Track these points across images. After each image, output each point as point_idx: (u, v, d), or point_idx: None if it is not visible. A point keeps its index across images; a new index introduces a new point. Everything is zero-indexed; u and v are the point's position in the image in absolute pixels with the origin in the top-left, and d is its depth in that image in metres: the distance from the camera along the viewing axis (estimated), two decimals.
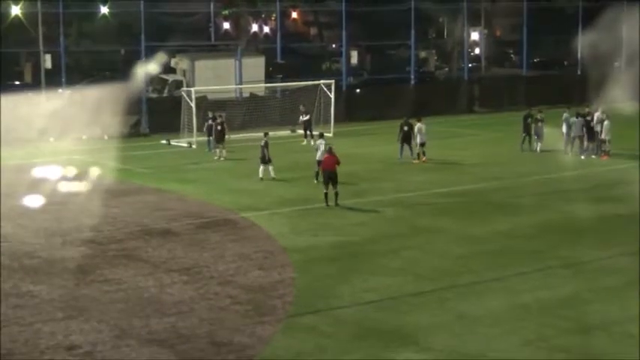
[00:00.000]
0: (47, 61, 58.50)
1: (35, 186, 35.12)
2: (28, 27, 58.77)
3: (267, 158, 35.97)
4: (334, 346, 17.57)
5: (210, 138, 44.33)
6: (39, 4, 55.77)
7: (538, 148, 42.22)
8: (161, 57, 56.97)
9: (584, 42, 61.26)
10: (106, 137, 50.83)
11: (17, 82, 64.80)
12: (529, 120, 43.10)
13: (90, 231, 27.55)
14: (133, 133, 53.96)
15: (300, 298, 20.70)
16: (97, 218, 29.41)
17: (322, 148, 33.65)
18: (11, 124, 45.27)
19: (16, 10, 58.33)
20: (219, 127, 43.01)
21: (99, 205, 31.69)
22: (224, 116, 45.24)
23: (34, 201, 32.19)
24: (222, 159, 42.08)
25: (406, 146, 40.40)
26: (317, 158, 33.74)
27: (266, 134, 38.04)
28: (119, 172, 39.01)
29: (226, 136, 43.43)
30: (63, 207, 31.32)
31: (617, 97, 47.51)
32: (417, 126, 40.06)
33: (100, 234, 27.21)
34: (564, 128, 41.70)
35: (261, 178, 35.62)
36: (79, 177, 36.98)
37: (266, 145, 36.32)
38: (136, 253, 24.97)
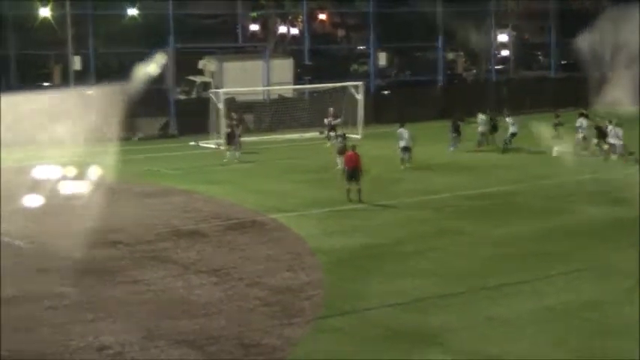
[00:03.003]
0: (76, 63, 58.74)
1: (64, 186, 35.32)
2: (57, 29, 59.06)
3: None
4: (362, 348, 17.61)
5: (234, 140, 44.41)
6: (68, 5, 56.11)
7: (557, 151, 42.00)
8: (190, 59, 57.13)
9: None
10: (135, 138, 51.05)
11: (46, 84, 65.11)
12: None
13: (119, 232, 27.70)
14: (161, 134, 54.20)
15: (329, 300, 20.75)
16: (126, 219, 29.59)
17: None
18: (43, 124, 45.53)
19: (45, 12, 58.65)
20: (228, 129, 43.10)
21: (128, 206, 31.89)
22: (238, 117, 45.33)
23: (63, 202, 32.39)
24: (235, 161, 42.02)
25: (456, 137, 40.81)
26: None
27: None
28: (148, 173, 39.19)
29: (240, 138, 43.42)
30: (92, 208, 31.47)
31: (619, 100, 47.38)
32: (399, 131, 39.89)
33: (129, 235, 27.36)
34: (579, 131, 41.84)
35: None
36: (108, 178, 37.16)
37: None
38: (164, 254, 25.09)
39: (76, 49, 58.16)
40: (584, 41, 54.08)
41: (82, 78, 58.19)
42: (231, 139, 43.04)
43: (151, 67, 54.12)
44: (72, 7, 56.27)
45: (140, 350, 17.56)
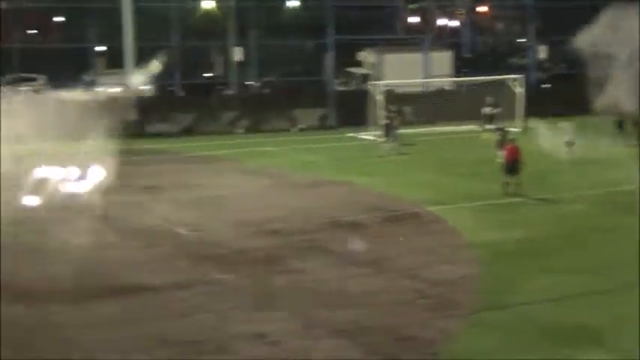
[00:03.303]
0: (238, 54, 59.66)
1: (223, 177, 36.04)
2: (220, 20, 60.05)
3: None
4: (518, 343, 17.32)
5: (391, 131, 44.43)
6: None
7: None
8: (349, 50, 57.42)
9: None
10: (294, 129, 51.58)
11: (208, 75, 66.33)
12: None
13: (278, 222, 28.01)
14: (320, 125, 54.61)
15: (485, 294, 20.50)
16: (285, 209, 29.91)
17: None
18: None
19: (208, 4, 59.76)
20: (386, 121, 43.09)
21: (286, 197, 32.23)
22: (396, 109, 45.26)
23: (224, 191, 32.99)
24: (393, 153, 41.96)
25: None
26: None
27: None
28: (306, 164, 39.53)
29: (397, 130, 43.36)
30: (252, 198, 31.98)
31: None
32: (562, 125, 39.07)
33: (288, 225, 27.62)
34: None
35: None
36: (266, 169, 37.71)
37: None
38: (322, 244, 25.20)
39: (237, 40, 59.08)
40: None
41: (243, 69, 59.14)
42: (389, 130, 43.09)
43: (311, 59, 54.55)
44: None
45: (297, 339, 17.68)
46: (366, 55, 61.91)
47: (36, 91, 61.34)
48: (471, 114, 51.26)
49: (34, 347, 17.25)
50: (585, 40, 43.99)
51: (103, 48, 62.61)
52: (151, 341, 17.40)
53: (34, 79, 62.42)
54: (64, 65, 61.90)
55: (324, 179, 36.14)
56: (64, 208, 30.21)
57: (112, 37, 56.90)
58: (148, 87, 58.25)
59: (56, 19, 69.15)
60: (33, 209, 30.01)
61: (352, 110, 52.15)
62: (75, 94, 57.59)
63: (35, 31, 68.80)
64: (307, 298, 20.35)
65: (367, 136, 48.07)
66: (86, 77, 59.03)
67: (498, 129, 39.33)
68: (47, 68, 61.94)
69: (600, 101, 49.96)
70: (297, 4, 68.09)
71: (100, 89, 54.89)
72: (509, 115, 49.66)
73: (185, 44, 59.55)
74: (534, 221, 27.75)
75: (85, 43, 56.61)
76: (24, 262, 23.33)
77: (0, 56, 55.62)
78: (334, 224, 27.67)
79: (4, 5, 53.90)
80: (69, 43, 65.59)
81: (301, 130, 53.68)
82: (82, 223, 27.66)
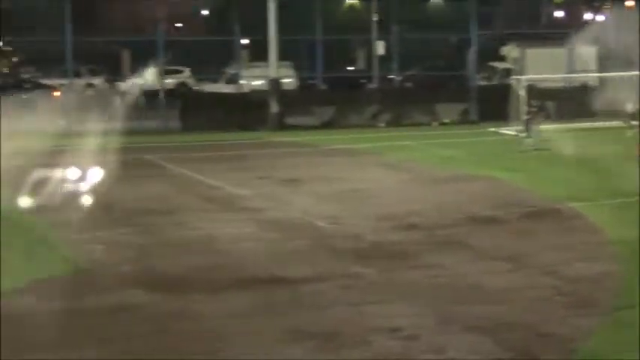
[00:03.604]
0: (380, 48, 59.76)
1: (363, 170, 36.15)
2: (363, 14, 60.28)
3: None
4: None
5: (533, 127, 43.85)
6: None
7: None
8: (492, 45, 56.98)
9: None
10: (435, 124, 51.43)
11: (351, 68, 66.64)
12: None
13: (416, 216, 27.96)
14: (461, 120, 54.32)
15: (624, 292, 20.10)
16: (424, 203, 29.84)
17: None
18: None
19: None
20: (528, 116, 42.53)
21: (425, 191, 32.15)
22: (538, 104, 44.62)
23: (363, 185, 33.11)
24: (534, 148, 41.39)
25: None
26: None
27: None
28: (446, 158, 39.35)
29: (539, 126, 42.77)
30: (391, 192, 32.02)
31: None
32: None
33: (426, 219, 27.53)
34: None
35: None
36: (406, 163, 37.70)
37: None
38: (460, 239, 25.03)
39: (380, 34, 59.18)
40: None
41: (385, 63, 59.21)
42: (530, 126, 42.59)
43: (453, 54, 54.31)
44: None
45: (433, 334, 17.61)
46: (510, 50, 61.34)
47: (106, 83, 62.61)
48: (615, 110, 50.22)
49: (173, 332, 17.63)
50: None
51: (246, 41, 63.45)
52: (287, 333, 17.56)
53: (180, 71, 63.76)
54: (208, 58, 63.11)
55: (464, 174, 35.91)
56: (206, 199, 30.83)
57: (256, 30, 57.63)
58: (290, 80, 58.81)
59: (202, 11, 70.42)
60: (176, 201, 30.70)
61: (494, 105, 51.63)
62: (219, 87, 58.72)
63: (180, 24, 70.24)
64: (444, 293, 20.24)
65: (508, 131, 47.54)
66: (229, 70, 59.90)
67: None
68: (192, 61, 63.31)
69: None
70: None
71: (242, 82, 55.69)
72: None
73: (328, 37, 59.86)
74: None
75: (229, 36, 57.42)
76: (164, 252, 23.88)
77: (147, 47, 56.92)
78: (472, 219, 27.47)
79: None
80: (213, 35, 66.80)
81: (442, 124, 53.45)
82: (221, 216, 28.18)
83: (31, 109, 49.25)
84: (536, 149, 41.41)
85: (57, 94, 52.29)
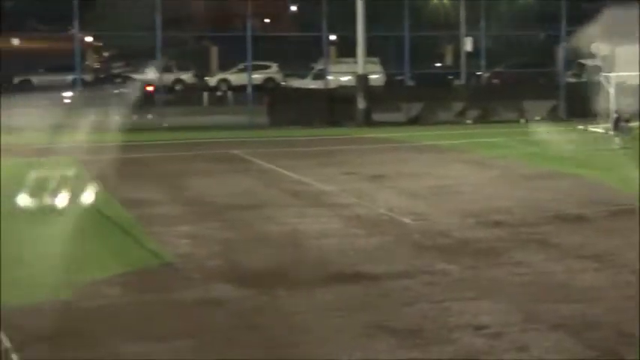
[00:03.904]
0: (468, 44, 59.47)
1: (449, 166, 36.03)
2: (451, 10, 60.01)
3: None
4: None
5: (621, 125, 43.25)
6: None
7: None
8: (581, 42, 56.34)
9: None
10: (522, 121, 51.03)
11: (438, 65, 66.42)
12: None
13: (502, 213, 27.79)
14: (549, 117, 53.83)
15: None
16: (510, 201, 29.64)
17: None
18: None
19: None
20: (616, 115, 41.96)
21: (511, 188, 31.93)
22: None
23: (449, 181, 33.01)
24: (622, 146, 40.82)
25: None
26: None
27: None
28: (533, 156, 39.02)
29: (627, 124, 42.16)
30: (477, 188, 31.87)
31: None
32: None
33: (512, 217, 27.35)
34: None
35: None
36: (493, 160, 37.49)
37: None
38: (546, 237, 24.81)
39: (468, 30, 58.87)
40: None
41: (473, 59, 58.90)
42: (618, 123, 42.05)
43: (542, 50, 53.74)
44: None
45: (518, 332, 17.49)
46: (599, 47, 60.55)
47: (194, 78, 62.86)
48: None
49: (258, 327, 17.79)
50: None
51: (334, 37, 63.55)
52: (371, 329, 17.61)
53: (268, 67, 64.14)
54: (296, 54, 63.36)
55: (551, 171, 35.57)
56: (292, 194, 31.00)
57: (344, 26, 57.69)
58: (377, 76, 58.79)
59: (291, 8, 70.70)
60: (263, 196, 30.93)
61: (582, 102, 51.09)
62: (306, 83, 58.96)
63: (268, 20, 70.61)
64: (529, 291, 20.10)
65: (597, 129, 46.99)
66: (317, 66, 60.07)
67: None
68: (279, 56, 63.62)
69: None
70: None
71: (330, 78, 55.81)
72: None
73: (416, 34, 59.71)
74: None
75: (317, 32, 57.63)
76: (251, 247, 24.09)
77: (236, 44, 57.35)
78: (559, 217, 27.21)
79: None
80: (301, 31, 67.02)
81: (530, 121, 52.98)
82: (307, 211, 28.30)
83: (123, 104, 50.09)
84: (624, 147, 40.85)
85: (150, 88, 53.00)
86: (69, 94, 50.36)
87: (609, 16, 54.46)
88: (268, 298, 19.65)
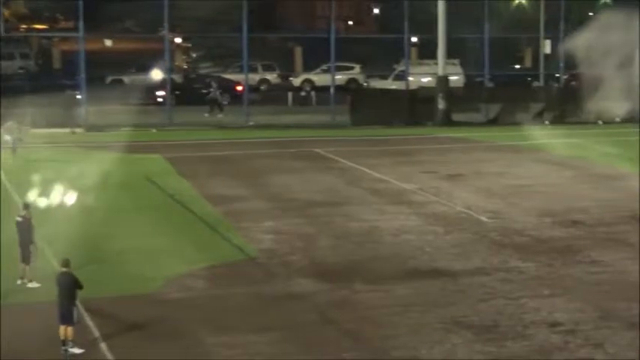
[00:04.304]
0: (547, 47, 58.91)
1: (526, 166, 35.82)
2: (530, 13, 59.54)
3: None
4: None
5: None
6: None
7: None
8: None
9: None
10: (599, 122, 50.45)
11: (517, 66, 65.89)
12: None
13: (579, 213, 27.53)
14: (626, 119, 53.03)
15: None
16: (587, 201, 29.33)
17: None
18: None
19: None
20: None
21: (588, 188, 31.57)
22: None
23: (526, 181, 32.80)
24: None
25: None
26: None
27: None
28: (610, 156, 38.50)
29: None
30: (554, 188, 31.60)
31: None
32: None
33: (589, 216, 27.09)
34: None
35: None
36: (570, 160, 37.18)
37: None
38: (623, 237, 24.57)
39: (547, 33, 58.33)
40: None
41: (551, 61, 58.35)
42: None
43: None
44: None
45: (592, 329, 17.42)
46: None
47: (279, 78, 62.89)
48: None
49: (337, 321, 17.95)
50: None
51: (415, 39, 63.40)
52: (447, 324, 17.66)
53: (350, 68, 64.18)
54: (378, 55, 63.31)
55: (627, 172, 35.04)
56: (372, 192, 31.07)
57: (425, 28, 57.51)
58: (457, 77, 58.50)
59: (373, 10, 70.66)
60: (344, 193, 31.04)
61: None
62: (387, 83, 58.91)
63: (351, 22, 70.62)
64: (605, 290, 19.98)
65: None
66: (398, 67, 59.97)
67: None
68: (362, 57, 63.60)
69: None
70: None
71: (410, 79, 55.69)
72: None
73: (495, 36, 59.28)
74: None
75: (399, 34, 57.51)
76: (331, 243, 24.23)
77: (320, 45, 57.51)
78: (635, 217, 26.88)
79: None
80: (383, 33, 66.98)
81: (606, 122, 52.27)
82: (386, 208, 28.34)
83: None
84: None
85: (240, 88, 53.33)
86: (161, 92, 50.98)
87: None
88: (348, 293, 19.81)
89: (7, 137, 35.70)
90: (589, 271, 21.44)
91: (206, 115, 49.63)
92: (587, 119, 50.99)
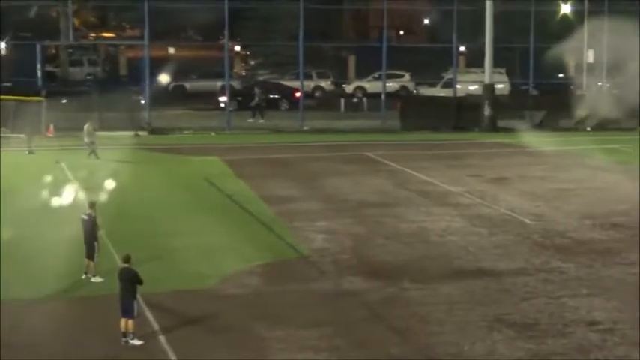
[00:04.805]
0: (590, 56, 58.50)
1: (569, 171, 35.60)
2: (574, 23, 59.15)
3: None
4: None
5: None
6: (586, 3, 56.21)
7: None
8: None
9: None
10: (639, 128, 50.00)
11: (561, 75, 65.37)
12: None
13: (619, 216, 27.27)
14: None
15: None
16: (627, 204, 29.01)
17: None
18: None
19: (565, 8, 59.06)
20: None
21: (629, 192, 31.21)
22: None
23: (568, 185, 32.59)
24: None
25: None
26: None
27: None
28: None
29: None
30: (595, 192, 31.37)
31: None
32: None
33: (629, 219, 26.81)
34: None
35: None
36: (612, 165, 36.91)
37: None
38: None
39: (590, 42, 57.90)
40: None
41: (594, 70, 57.92)
42: None
43: None
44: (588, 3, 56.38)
45: (630, 328, 17.30)
46: None
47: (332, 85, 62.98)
48: None
49: (386, 318, 18.01)
50: None
51: (463, 48, 63.24)
52: (490, 322, 17.64)
53: (401, 75, 64.14)
54: (428, 63, 63.21)
55: None
56: (420, 194, 31.05)
57: (472, 38, 57.31)
58: (503, 85, 58.26)
59: (424, 20, 70.53)
60: (393, 195, 31.03)
61: None
62: (436, 91, 58.82)
63: (402, 32, 70.49)
64: None
65: None
66: (446, 75, 59.86)
67: None
68: (412, 65, 63.52)
69: None
70: None
71: (458, 86, 55.63)
72: None
73: (541, 45, 58.89)
74: None
75: (447, 44, 57.37)
76: (380, 242, 24.27)
77: (372, 54, 57.58)
78: None
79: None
80: (432, 43, 66.80)
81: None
82: (433, 210, 28.31)
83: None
84: None
85: (297, 94, 53.50)
86: (223, 98, 51.22)
87: None
88: (396, 290, 19.84)
89: (86, 139, 36.31)
90: (627, 272, 21.29)
91: (250, 120, 49.90)
92: (628, 126, 50.46)
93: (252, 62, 77.06)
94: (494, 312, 18.24)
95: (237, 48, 70.21)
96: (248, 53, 77.11)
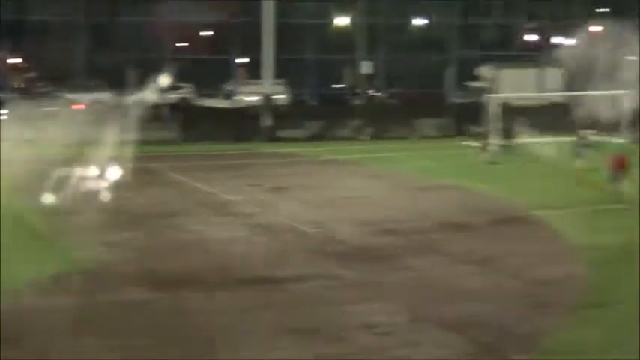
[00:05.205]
0: (367, 68, 59.87)
1: (347, 179, 36.16)
2: (351, 36, 60.40)
3: None
4: (619, 339, 16.84)
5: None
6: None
7: None
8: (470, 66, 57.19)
9: None
10: (414, 138, 51.55)
11: (338, 86, 66.56)
12: None
13: (394, 222, 27.88)
14: (439, 134, 54.45)
15: (586, 294, 20.04)
16: (402, 211, 29.76)
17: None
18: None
19: (342, 21, 60.27)
20: (500, 132, 42.73)
21: (404, 199, 32.08)
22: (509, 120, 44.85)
23: (346, 193, 33.08)
24: (504, 160, 41.49)
25: None
26: None
27: None
28: (424, 169, 39.32)
29: (511, 140, 43.02)
30: (372, 199, 31.98)
31: None
32: None
33: (404, 225, 27.43)
34: None
35: None
36: (387, 173, 37.73)
37: None
38: (435, 244, 24.96)
39: (366, 55, 59.32)
40: None
41: (371, 81, 59.33)
42: (502, 140, 42.69)
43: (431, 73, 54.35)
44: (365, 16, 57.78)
45: (406, 331, 17.59)
46: (485, 70, 61.53)
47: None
48: (582, 126, 50.17)
49: (169, 327, 17.63)
50: None
51: (244, 60, 63.51)
52: (273, 328, 17.53)
53: (181, 87, 63.73)
54: (209, 75, 63.14)
55: (439, 184, 35.87)
56: (201, 204, 30.77)
57: (253, 50, 57.62)
58: (282, 96, 58.85)
59: (204, 33, 70.34)
60: (174, 206, 30.61)
61: (469, 121, 51.80)
62: (216, 102, 58.73)
63: (185, 44, 69.99)
64: (418, 294, 20.20)
65: (482, 145, 47.42)
66: (227, 86, 59.95)
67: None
68: (193, 78, 63.28)
69: None
70: (423, 22, 67.97)
71: (238, 97, 55.82)
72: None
73: (318, 57, 59.93)
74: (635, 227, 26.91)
75: (228, 56, 57.51)
76: (163, 253, 23.83)
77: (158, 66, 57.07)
78: (446, 225, 27.43)
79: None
80: (214, 55, 66.82)
81: (421, 138, 53.43)
82: (214, 220, 28.08)
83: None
84: (506, 162, 41.40)
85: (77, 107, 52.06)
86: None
87: None
88: (177, 300, 19.42)
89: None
90: (403, 277, 21.63)
91: None
92: (403, 135, 51.94)
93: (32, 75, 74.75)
94: (276, 319, 18.13)
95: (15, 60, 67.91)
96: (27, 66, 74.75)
